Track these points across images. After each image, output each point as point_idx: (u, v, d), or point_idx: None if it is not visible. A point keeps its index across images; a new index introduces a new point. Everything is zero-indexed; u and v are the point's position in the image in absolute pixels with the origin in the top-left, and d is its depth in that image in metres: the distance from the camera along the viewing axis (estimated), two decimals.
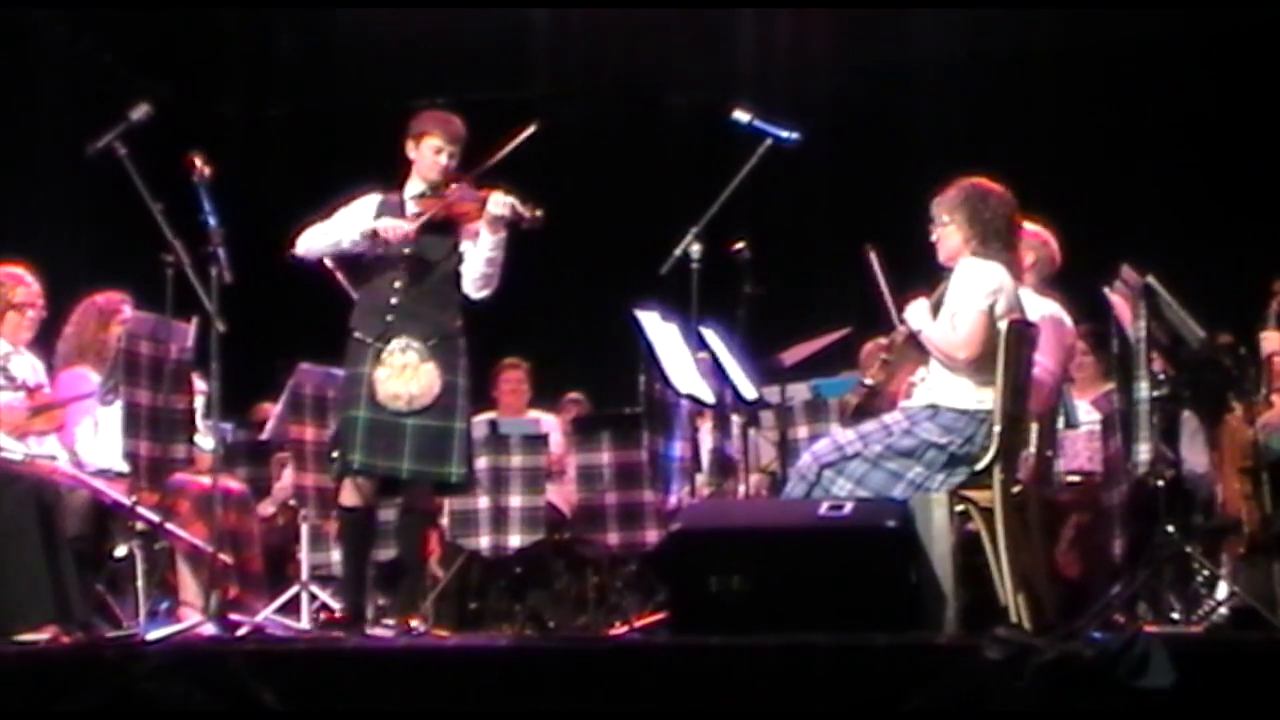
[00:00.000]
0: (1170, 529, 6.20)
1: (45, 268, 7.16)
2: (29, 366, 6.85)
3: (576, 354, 10.56)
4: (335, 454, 6.35)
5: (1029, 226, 6.19)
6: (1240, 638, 5.71)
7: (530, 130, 6.36)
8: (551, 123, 10.92)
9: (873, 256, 6.27)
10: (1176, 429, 7.08)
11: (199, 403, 6.92)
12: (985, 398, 5.57)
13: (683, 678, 4.70)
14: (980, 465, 5.54)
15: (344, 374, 6.44)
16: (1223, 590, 6.80)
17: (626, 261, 7.55)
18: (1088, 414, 6.96)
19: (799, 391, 7.50)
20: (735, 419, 7.24)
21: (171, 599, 6.98)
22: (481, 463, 7.82)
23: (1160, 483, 6.26)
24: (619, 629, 7.11)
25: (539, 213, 6.31)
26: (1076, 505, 6.75)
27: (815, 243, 10.45)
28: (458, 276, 6.37)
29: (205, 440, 6.93)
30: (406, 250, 6.31)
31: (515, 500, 8.02)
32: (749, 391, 6.86)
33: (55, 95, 9.76)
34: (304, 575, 7.77)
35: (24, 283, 6.92)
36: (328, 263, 6.61)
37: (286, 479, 8.10)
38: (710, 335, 6.81)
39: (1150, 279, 6.21)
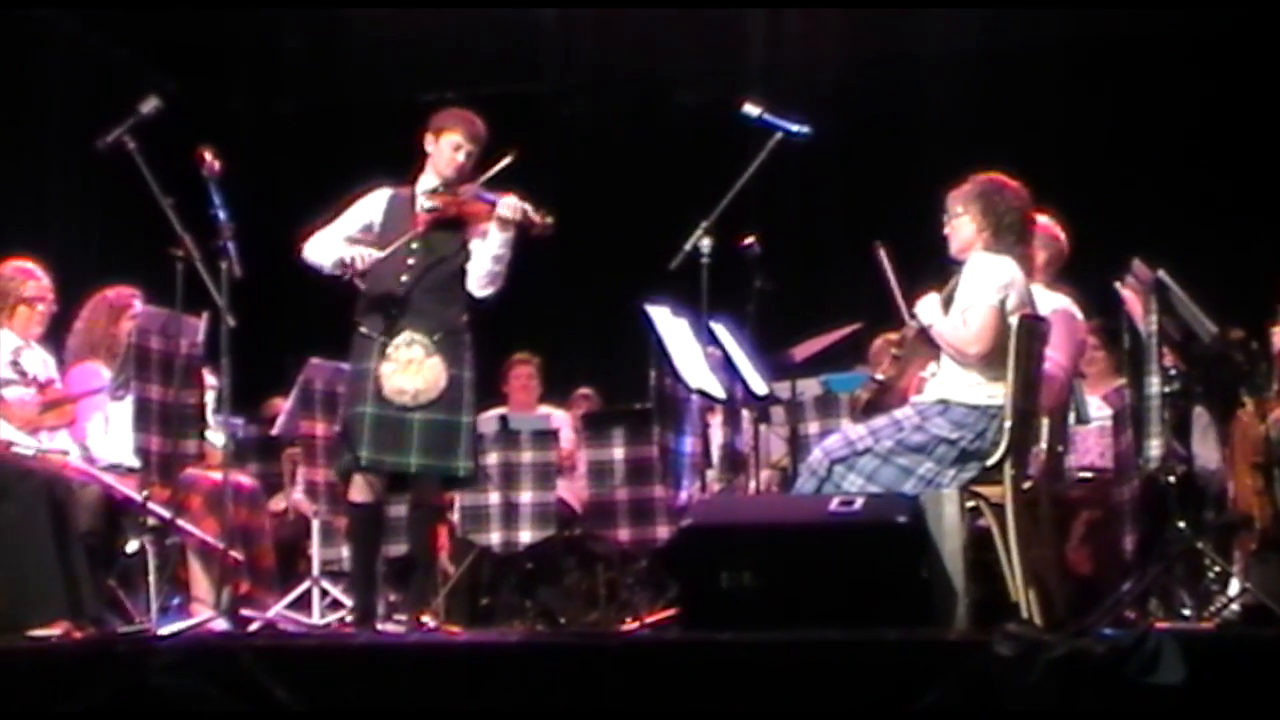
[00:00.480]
0: (1181, 525, 6.20)
1: (56, 262, 7.17)
2: (40, 361, 6.85)
3: (587, 349, 10.56)
4: (343, 451, 6.35)
5: (1040, 219, 6.19)
6: (1252, 634, 5.71)
7: (508, 160, 6.36)
8: (562, 118, 11.12)
9: (882, 253, 6.27)
10: (1188, 424, 7.07)
11: (210, 398, 6.93)
12: (996, 393, 5.56)
13: (693, 674, 4.70)
14: (991, 461, 5.53)
15: (350, 369, 6.43)
16: (1234, 586, 6.79)
17: (637, 257, 7.53)
18: (1099, 409, 6.95)
19: (810, 387, 7.50)
20: (746, 414, 7.24)
21: (183, 594, 6.99)
22: (492, 458, 7.83)
23: (1171, 478, 6.26)
24: (630, 625, 7.11)
25: (550, 220, 6.31)
26: (1087, 501, 6.74)
27: (825, 237, 10.44)
28: (465, 273, 6.37)
29: (216, 435, 6.94)
30: (414, 245, 6.30)
31: (526, 496, 8.02)
32: (759, 387, 6.86)
33: (65, 90, 9.77)
34: (315, 571, 7.79)
35: (35, 277, 6.93)
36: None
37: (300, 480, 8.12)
38: (721, 330, 6.81)
39: (1161, 274, 6.20)
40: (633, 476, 7.86)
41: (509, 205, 6.27)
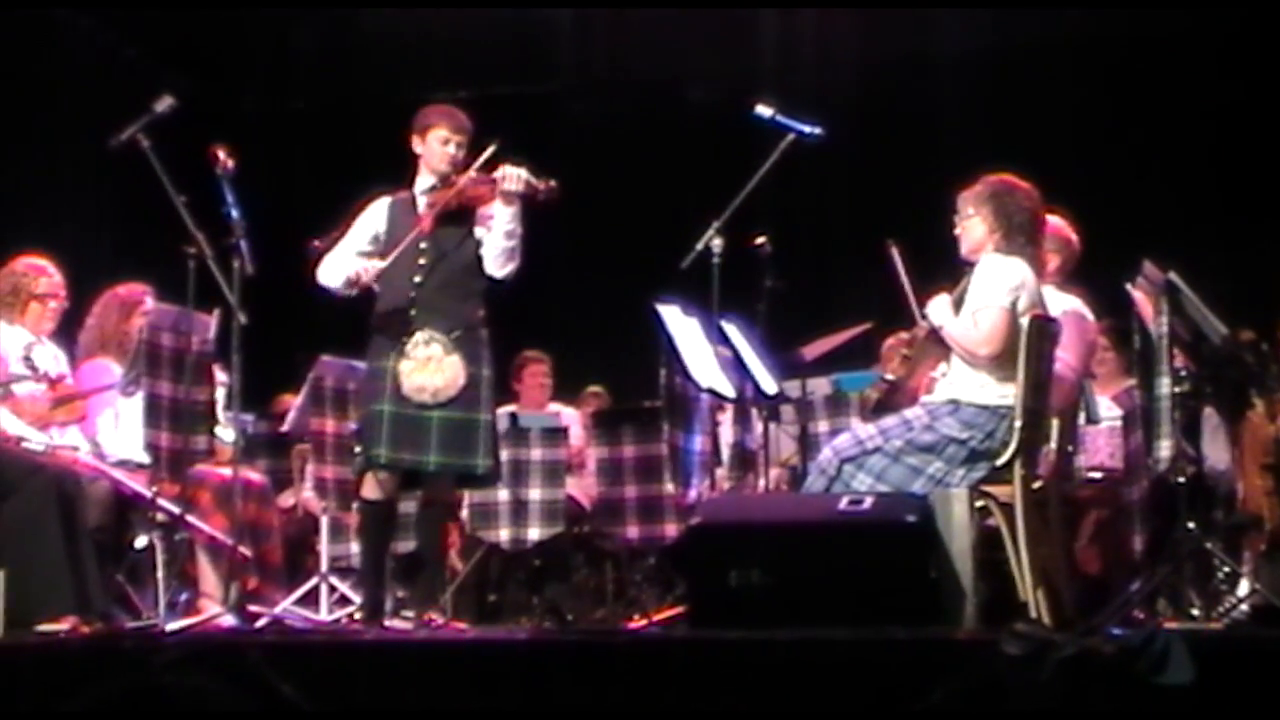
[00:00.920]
0: (1191, 525, 6.18)
1: (68, 259, 7.18)
2: (51, 357, 6.87)
3: (597, 347, 10.56)
4: (358, 448, 6.35)
5: (1052, 220, 6.18)
6: (1261, 634, 5.69)
7: (491, 150, 6.36)
8: (574, 117, 11.13)
9: (894, 252, 6.27)
10: (1198, 425, 7.05)
11: (220, 394, 6.95)
12: (1006, 393, 5.56)
13: (701, 672, 4.70)
14: (1001, 461, 5.53)
15: (366, 368, 6.43)
16: (1243, 587, 6.77)
17: (648, 255, 7.54)
18: (1109, 410, 6.94)
19: (820, 386, 7.49)
20: (755, 413, 7.23)
21: (191, 590, 7.00)
22: (502, 455, 7.81)
23: (1181, 479, 6.24)
24: (638, 623, 7.11)
25: (552, 184, 6.30)
26: (1097, 501, 6.73)
27: (837, 237, 10.44)
28: (478, 265, 6.36)
29: (226, 432, 6.95)
30: (423, 244, 6.30)
31: (535, 493, 8.02)
32: (769, 386, 6.86)
33: (79, 88, 9.79)
34: (323, 567, 7.79)
35: (47, 274, 6.94)
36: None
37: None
38: (731, 329, 6.81)
39: (1172, 275, 6.18)
40: (642, 474, 7.86)
41: (510, 176, 6.26)
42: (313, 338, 8.30)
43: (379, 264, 6.32)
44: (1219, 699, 4.32)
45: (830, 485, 5.61)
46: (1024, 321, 5.55)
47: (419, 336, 6.25)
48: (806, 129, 6.72)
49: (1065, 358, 5.96)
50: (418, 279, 6.31)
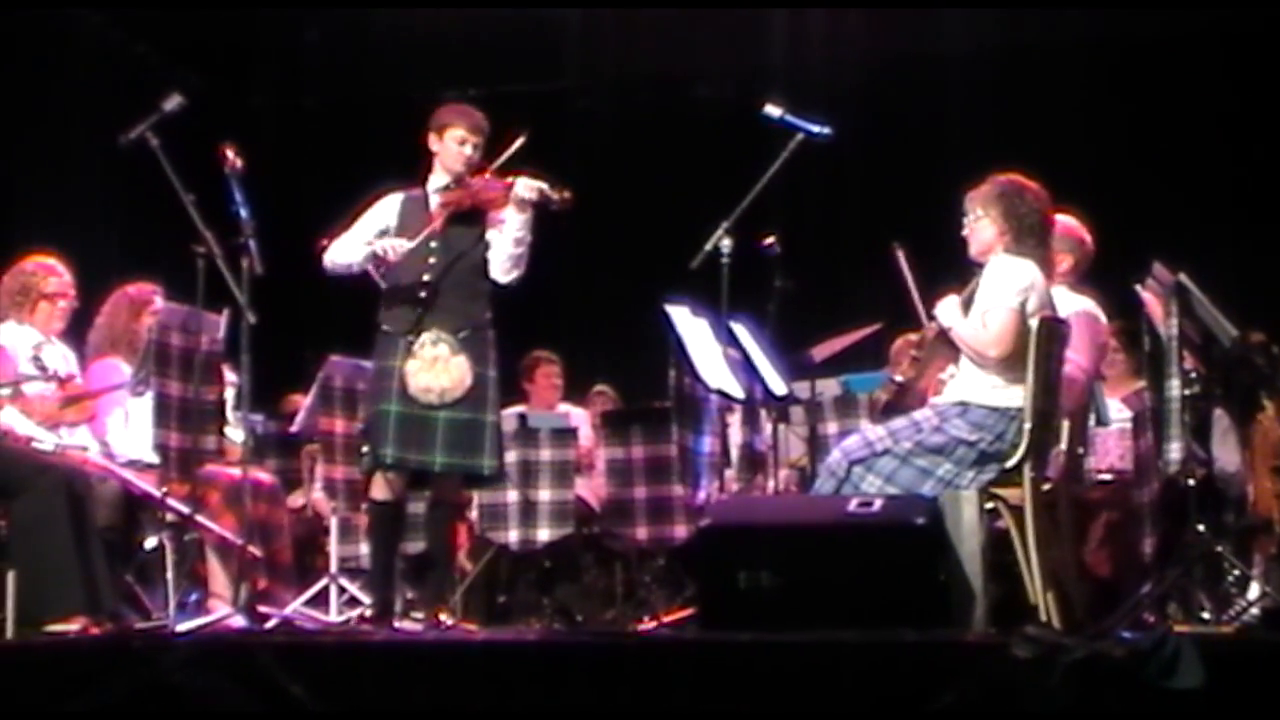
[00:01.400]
0: (1201, 528, 6.17)
1: (77, 258, 7.18)
2: (61, 357, 6.86)
3: (606, 348, 10.56)
4: (365, 448, 6.35)
5: (1066, 221, 6.18)
6: (1271, 638, 5.69)
7: (520, 142, 6.35)
8: (583, 116, 11.12)
9: (900, 255, 6.26)
10: (1208, 428, 7.05)
11: (229, 394, 6.95)
12: (1015, 395, 5.55)
13: (711, 673, 4.69)
14: (1010, 463, 5.52)
15: (373, 367, 6.43)
16: (1254, 590, 6.77)
17: (657, 255, 7.54)
18: (1119, 412, 6.94)
19: (829, 387, 7.49)
20: (765, 414, 7.23)
21: (201, 590, 7.01)
22: (511, 456, 7.82)
23: (1191, 481, 6.23)
24: (647, 624, 7.11)
25: (568, 194, 6.29)
26: (1107, 503, 6.72)
27: (846, 237, 10.43)
28: (485, 266, 6.36)
29: (235, 432, 6.96)
30: (433, 243, 6.30)
31: (544, 494, 8.03)
32: (779, 387, 6.85)
33: (88, 85, 9.79)
34: (333, 568, 7.79)
35: (56, 273, 6.94)
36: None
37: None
38: (740, 330, 6.80)
39: (1182, 276, 6.18)
40: (651, 475, 7.86)
41: (526, 185, 6.25)
42: (322, 337, 8.31)
43: (406, 242, 6.29)
44: (1229, 703, 4.32)
45: (839, 487, 5.60)
46: (1033, 323, 5.54)
47: (426, 336, 6.25)
48: (815, 129, 6.70)
49: (1075, 359, 5.95)
50: (427, 277, 6.31)
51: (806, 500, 6.18)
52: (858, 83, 10.62)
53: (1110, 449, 6.93)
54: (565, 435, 8.20)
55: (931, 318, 5.87)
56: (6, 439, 6.41)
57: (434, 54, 11.01)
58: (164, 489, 6.58)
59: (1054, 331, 5.62)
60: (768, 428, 7.22)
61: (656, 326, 6.74)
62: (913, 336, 6.48)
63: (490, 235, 6.35)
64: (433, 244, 6.32)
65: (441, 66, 10.77)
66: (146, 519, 6.76)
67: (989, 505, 5.47)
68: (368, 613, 6.79)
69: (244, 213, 6.32)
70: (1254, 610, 6.55)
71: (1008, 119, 10.11)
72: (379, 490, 6.30)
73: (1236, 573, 6.84)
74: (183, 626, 5.90)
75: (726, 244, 6.64)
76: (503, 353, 6.48)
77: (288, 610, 7.11)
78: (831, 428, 7.30)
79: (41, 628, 5.83)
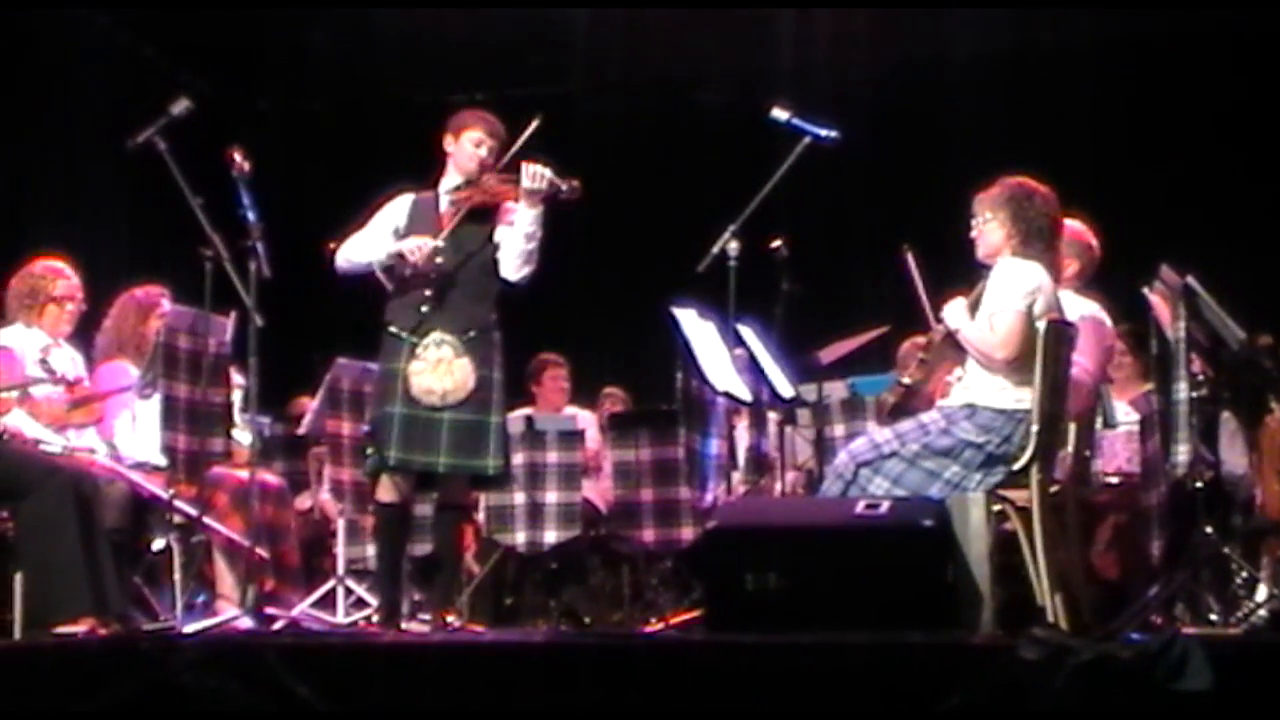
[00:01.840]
0: (1209, 530, 6.17)
1: (85, 261, 7.19)
2: (68, 359, 6.87)
3: (614, 350, 10.57)
4: (370, 450, 6.35)
5: (1073, 225, 6.17)
6: (1279, 640, 5.68)
7: (535, 124, 6.35)
8: (589, 119, 11.13)
9: (909, 257, 6.26)
10: (1215, 430, 7.03)
11: (237, 396, 6.95)
12: (1023, 397, 5.55)
13: (718, 675, 4.70)
14: (1018, 465, 5.51)
15: (378, 369, 6.43)
16: (1262, 592, 6.75)
17: (664, 258, 7.54)
18: (1126, 414, 6.93)
19: (836, 389, 7.48)
20: (772, 417, 7.24)
21: (208, 592, 7.02)
22: (518, 458, 7.82)
23: (1199, 484, 6.23)
24: (654, 626, 7.11)
25: (575, 183, 6.28)
26: (1114, 506, 6.72)
27: (853, 240, 10.44)
28: (494, 267, 6.35)
29: (243, 434, 6.96)
30: (441, 243, 6.29)
31: (551, 496, 8.02)
32: (786, 389, 6.86)
33: (95, 89, 9.80)
34: (340, 569, 7.80)
35: (64, 276, 6.95)
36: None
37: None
38: (747, 333, 6.81)
39: (1190, 279, 6.17)
40: (658, 477, 7.86)
41: (532, 173, 6.23)
42: (329, 340, 8.32)
43: (432, 241, 6.28)
44: (1237, 705, 4.32)
45: (847, 489, 5.60)
46: (1041, 325, 5.54)
47: (431, 338, 6.24)
48: (822, 132, 6.71)
49: (1082, 362, 5.95)
50: (433, 277, 6.30)
51: (813, 502, 6.18)
52: (865, 85, 10.63)
53: (1118, 451, 6.93)
54: (572, 438, 8.19)
55: (939, 320, 5.87)
56: (14, 441, 6.42)
57: (440, 58, 11.03)
58: (171, 491, 6.58)
59: (1061, 334, 5.62)
60: (775, 430, 7.22)
61: (664, 329, 6.74)
62: (920, 339, 6.48)
63: (500, 232, 6.33)
64: (439, 244, 6.31)
65: (448, 70, 10.79)
66: (154, 521, 6.76)
67: (996, 507, 5.47)
68: (375, 614, 6.80)
69: (251, 216, 6.32)
70: (1261, 612, 6.53)
71: (1015, 122, 10.12)
72: (385, 492, 6.30)
73: (1244, 575, 6.82)
74: (190, 628, 5.89)
75: (734, 247, 6.65)
76: (510, 355, 6.47)
77: (295, 612, 7.12)
78: (839, 430, 7.29)
79: (49, 629, 5.84)
